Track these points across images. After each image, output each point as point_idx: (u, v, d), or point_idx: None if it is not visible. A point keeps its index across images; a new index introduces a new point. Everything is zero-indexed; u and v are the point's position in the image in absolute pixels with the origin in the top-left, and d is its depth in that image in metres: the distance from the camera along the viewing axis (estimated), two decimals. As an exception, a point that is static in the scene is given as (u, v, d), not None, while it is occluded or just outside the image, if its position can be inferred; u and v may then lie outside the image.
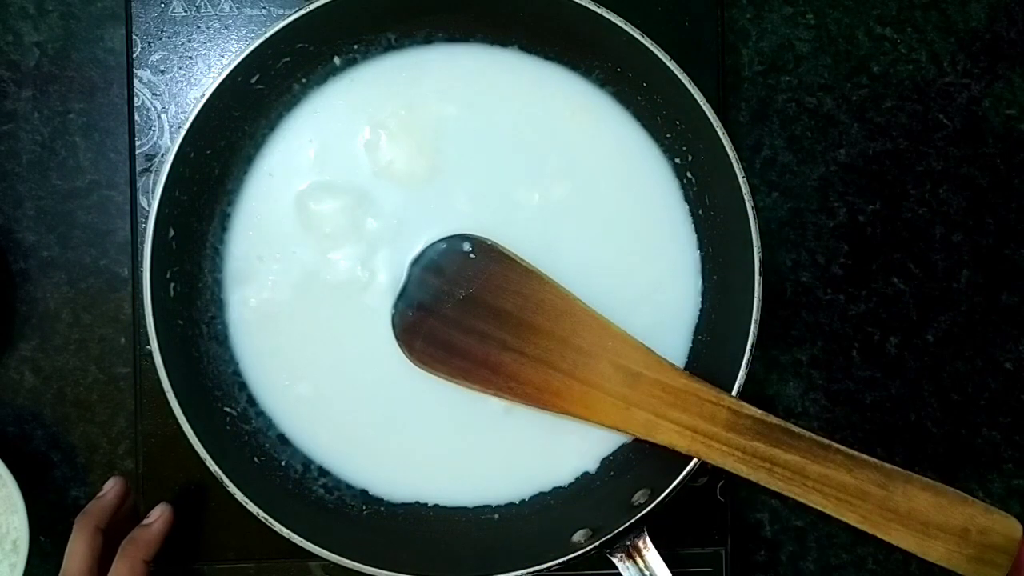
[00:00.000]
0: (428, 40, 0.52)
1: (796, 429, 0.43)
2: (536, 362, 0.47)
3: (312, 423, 0.51)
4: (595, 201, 0.52)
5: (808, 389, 0.58)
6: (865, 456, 0.41)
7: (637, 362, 0.47)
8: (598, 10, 0.48)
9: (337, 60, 0.51)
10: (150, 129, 0.55)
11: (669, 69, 0.48)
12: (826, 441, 0.42)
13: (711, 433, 0.44)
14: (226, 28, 0.55)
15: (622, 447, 0.51)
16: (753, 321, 0.47)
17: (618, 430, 0.47)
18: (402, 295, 0.50)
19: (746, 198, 0.47)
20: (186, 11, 0.55)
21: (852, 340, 0.58)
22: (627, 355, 0.47)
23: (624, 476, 0.50)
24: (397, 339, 0.49)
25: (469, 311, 0.48)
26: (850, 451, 0.42)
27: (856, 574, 0.57)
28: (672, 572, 0.45)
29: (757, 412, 0.44)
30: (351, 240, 0.51)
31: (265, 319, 0.51)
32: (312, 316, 0.51)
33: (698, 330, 0.52)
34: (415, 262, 0.49)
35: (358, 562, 0.46)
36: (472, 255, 0.49)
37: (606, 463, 0.51)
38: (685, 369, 0.52)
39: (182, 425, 0.46)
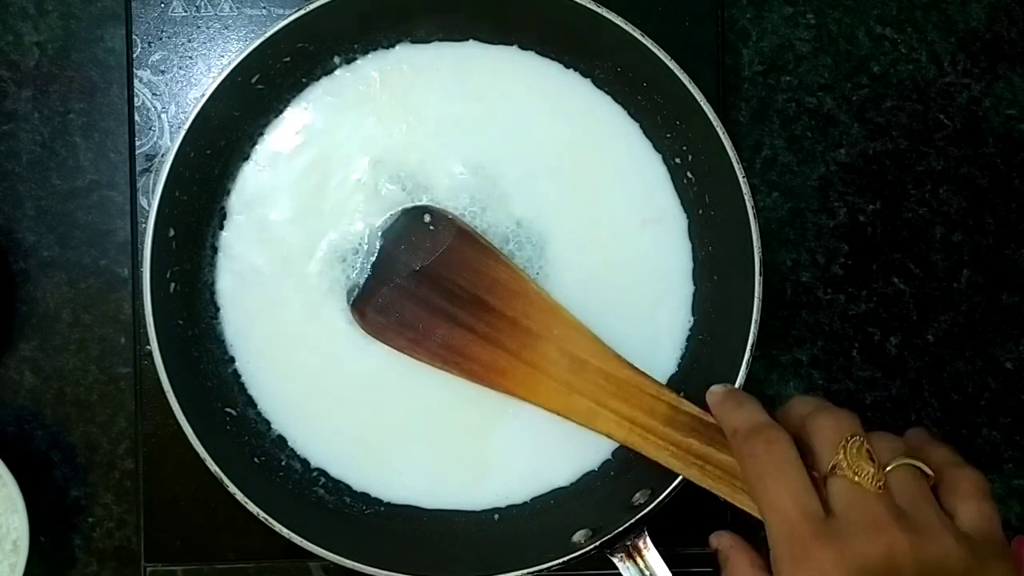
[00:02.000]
0: (427, 39, 0.52)
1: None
2: (485, 340, 0.47)
3: (312, 424, 0.51)
4: (595, 201, 0.52)
5: (808, 389, 0.58)
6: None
7: (584, 349, 0.47)
8: (598, 9, 0.48)
9: (337, 59, 0.52)
10: (150, 129, 0.55)
11: (669, 69, 0.48)
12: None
13: (648, 426, 0.45)
14: (226, 28, 0.55)
15: (623, 448, 0.51)
16: (753, 321, 0.47)
17: (559, 414, 0.47)
18: (358, 265, 0.50)
19: (746, 198, 0.47)
20: (186, 11, 0.55)
21: (852, 340, 0.58)
22: (575, 341, 0.47)
23: (624, 476, 0.50)
24: (349, 305, 0.49)
25: (423, 283, 0.48)
26: None
27: (856, 574, 0.57)
28: (672, 572, 0.45)
29: (695, 410, 0.44)
30: (348, 240, 0.51)
31: (264, 319, 0.51)
32: (312, 316, 0.51)
33: (698, 330, 0.52)
34: (376, 231, 0.50)
35: (358, 562, 0.46)
36: (431, 227, 0.49)
37: (606, 463, 0.51)
38: (677, 368, 0.52)
39: (182, 425, 0.46)
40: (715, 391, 0.44)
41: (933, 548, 0.35)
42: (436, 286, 0.48)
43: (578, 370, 0.46)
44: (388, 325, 0.48)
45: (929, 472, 0.38)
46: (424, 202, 0.50)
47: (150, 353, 0.46)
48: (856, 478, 0.37)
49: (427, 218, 0.49)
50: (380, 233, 0.49)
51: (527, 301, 0.48)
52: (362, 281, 0.49)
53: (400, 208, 0.50)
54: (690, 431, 0.44)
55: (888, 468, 0.37)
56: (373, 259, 0.49)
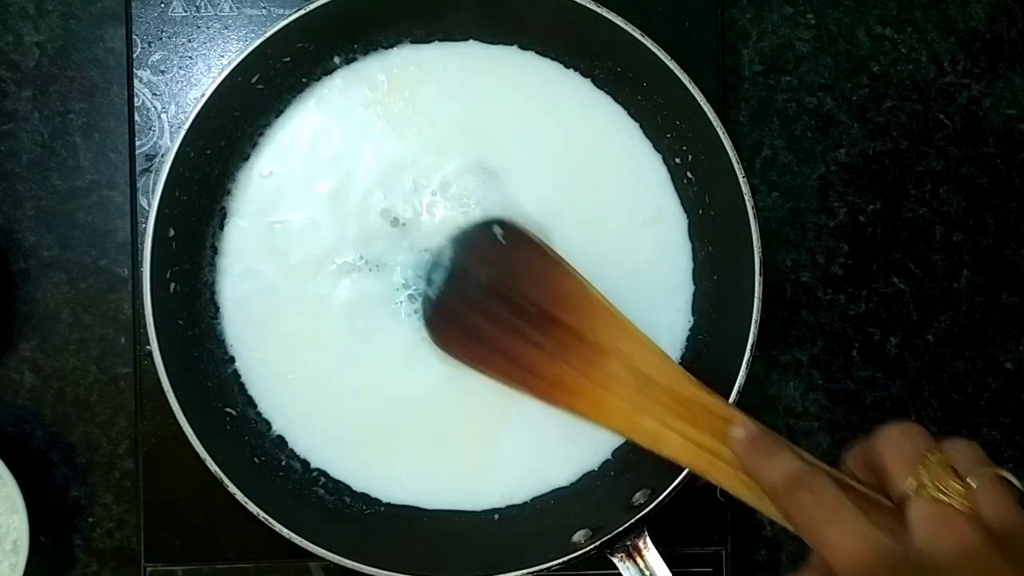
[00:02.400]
0: (428, 39, 0.52)
1: (809, 458, 0.38)
2: (552, 356, 0.46)
3: (312, 424, 0.51)
4: (595, 200, 0.52)
5: (808, 389, 0.58)
6: (881, 498, 0.35)
7: (651, 366, 0.45)
8: (598, 10, 0.48)
9: (337, 59, 0.52)
10: (150, 129, 0.55)
11: (669, 69, 0.48)
12: (837, 474, 0.37)
13: (716, 451, 0.42)
14: (226, 28, 0.55)
15: (622, 447, 0.51)
16: (753, 321, 0.47)
17: (625, 435, 0.46)
18: (430, 276, 0.49)
19: (746, 198, 0.47)
20: (186, 11, 0.55)
21: (852, 340, 0.58)
22: (642, 358, 0.45)
23: (624, 476, 0.50)
24: (423, 318, 0.49)
25: (493, 296, 0.47)
26: (862, 489, 0.36)
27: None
28: (672, 572, 0.45)
29: (770, 432, 0.41)
30: (348, 239, 0.51)
31: (264, 319, 0.51)
32: (311, 316, 0.51)
33: (698, 330, 0.52)
34: (448, 242, 0.49)
35: (358, 562, 0.46)
36: (502, 240, 0.48)
37: (606, 463, 0.51)
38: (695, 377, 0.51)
39: (182, 425, 0.46)
40: (737, 439, 0.40)
41: None
42: (505, 300, 0.47)
43: (645, 388, 0.45)
44: (458, 338, 0.48)
45: (1019, 485, 0.33)
46: (424, 204, 0.51)
47: (150, 353, 0.46)
48: (942, 498, 0.32)
49: (498, 230, 0.48)
50: (451, 243, 0.48)
51: (595, 316, 0.46)
52: (434, 294, 0.49)
53: (473, 221, 0.50)
54: None
55: (975, 484, 0.32)
56: (442, 271, 0.49)
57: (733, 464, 0.41)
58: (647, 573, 0.46)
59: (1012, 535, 0.31)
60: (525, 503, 0.51)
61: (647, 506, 0.46)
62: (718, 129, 0.47)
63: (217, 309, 0.51)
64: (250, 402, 0.51)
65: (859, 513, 0.33)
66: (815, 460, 0.37)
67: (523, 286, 0.47)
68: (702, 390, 0.44)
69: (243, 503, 0.46)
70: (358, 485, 0.51)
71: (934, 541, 0.31)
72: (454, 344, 0.48)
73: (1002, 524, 0.31)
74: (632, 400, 0.45)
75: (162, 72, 0.55)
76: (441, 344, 0.48)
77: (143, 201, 0.54)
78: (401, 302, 0.51)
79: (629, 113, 0.52)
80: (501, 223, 0.48)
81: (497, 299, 0.47)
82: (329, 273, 0.51)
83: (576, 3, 0.47)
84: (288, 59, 0.50)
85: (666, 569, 0.45)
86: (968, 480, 0.32)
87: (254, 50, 0.47)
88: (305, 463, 0.51)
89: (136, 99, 0.54)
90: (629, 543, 0.46)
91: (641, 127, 0.52)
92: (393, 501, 0.51)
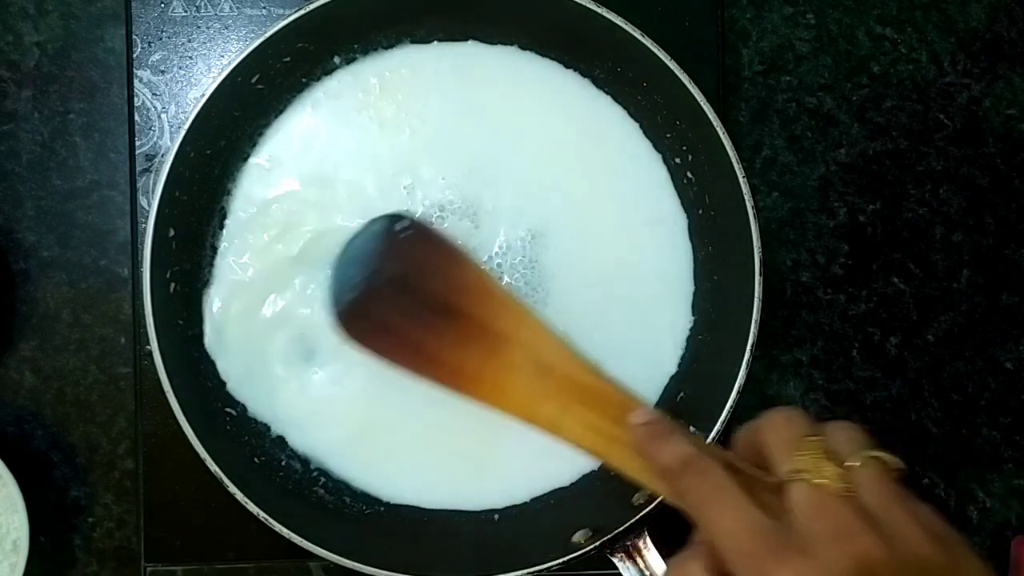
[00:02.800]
0: (428, 39, 0.52)
1: (702, 443, 0.39)
2: (455, 345, 0.46)
3: (311, 424, 0.51)
4: (594, 201, 0.52)
5: (808, 389, 0.58)
6: (764, 475, 0.36)
7: (550, 354, 0.46)
8: (598, 10, 0.48)
9: (337, 59, 0.52)
10: (150, 129, 0.55)
11: (669, 69, 0.48)
12: (728, 457, 0.38)
13: (615, 435, 0.42)
14: (226, 28, 0.55)
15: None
16: (753, 321, 0.47)
17: (526, 422, 0.46)
18: (336, 271, 0.49)
19: (746, 198, 0.47)
20: (186, 11, 0.55)
21: (852, 340, 0.58)
22: (542, 346, 0.46)
23: (625, 476, 0.50)
24: (330, 312, 0.48)
25: (398, 289, 0.47)
26: (748, 468, 0.37)
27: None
28: None
29: (665, 417, 0.42)
30: (345, 240, 0.51)
31: (264, 319, 0.51)
32: (310, 315, 0.51)
33: (698, 330, 0.52)
34: (353, 238, 0.49)
35: (358, 562, 0.46)
36: (404, 234, 0.48)
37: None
38: (677, 367, 0.52)
39: (182, 425, 0.46)
40: (634, 423, 0.41)
41: (910, 553, 0.32)
42: (410, 292, 0.47)
43: (545, 375, 0.45)
44: (367, 331, 0.48)
45: (899, 465, 0.35)
46: (423, 205, 0.51)
47: (150, 353, 0.46)
48: (817, 481, 0.33)
49: (398, 225, 0.48)
50: (352, 239, 0.48)
51: (496, 304, 0.47)
52: (338, 286, 0.48)
53: (372, 217, 0.49)
54: None
55: (852, 466, 0.34)
56: (350, 266, 0.49)
57: (631, 447, 0.41)
58: (647, 573, 0.46)
59: (886, 515, 0.32)
60: (525, 503, 0.51)
61: (647, 506, 0.46)
62: (718, 129, 0.47)
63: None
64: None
65: (742, 495, 0.34)
66: (708, 445, 0.40)
67: (426, 278, 0.47)
68: (600, 377, 0.45)
69: (243, 503, 0.46)
70: (358, 485, 0.51)
71: (810, 522, 0.32)
72: (361, 336, 0.48)
73: (878, 504, 0.33)
74: (532, 387, 0.46)
75: (162, 72, 0.55)
76: (351, 337, 0.48)
77: (143, 201, 0.54)
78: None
79: (629, 113, 0.52)
80: (401, 217, 0.49)
81: (402, 291, 0.47)
82: (322, 272, 0.51)
83: (576, 3, 0.47)
84: (288, 59, 0.50)
85: (665, 568, 0.45)
86: (847, 464, 0.34)
87: (254, 50, 0.47)
88: (305, 463, 0.51)
89: (136, 99, 0.55)
90: (629, 543, 0.46)
91: (641, 127, 0.52)
92: (393, 501, 0.51)
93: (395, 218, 0.49)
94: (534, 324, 0.47)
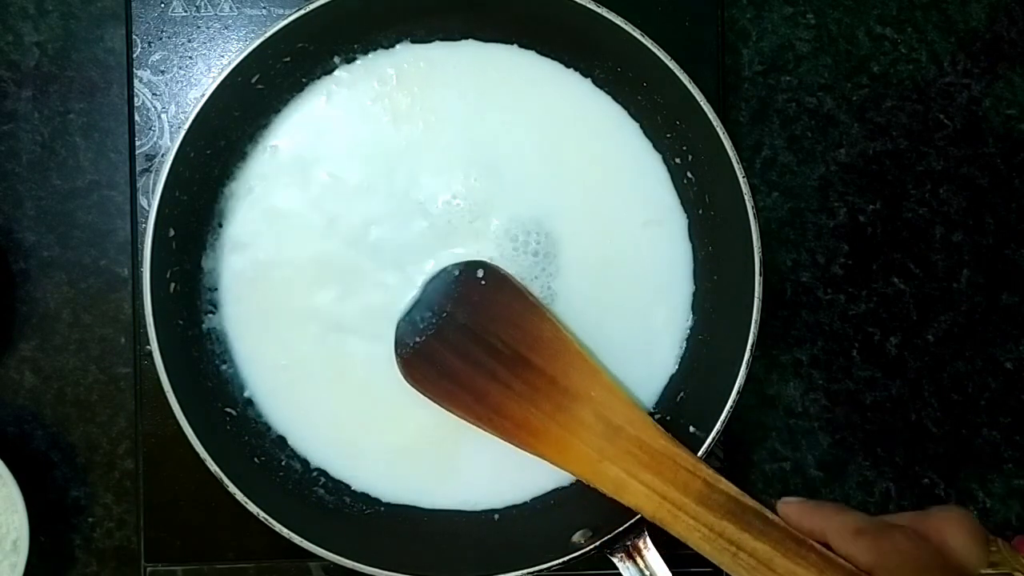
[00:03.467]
0: (428, 39, 0.52)
1: (771, 515, 0.40)
2: (521, 398, 0.46)
3: (311, 424, 0.51)
4: (594, 201, 0.52)
5: (808, 389, 0.58)
6: (840, 560, 0.37)
7: (620, 415, 0.45)
8: (598, 10, 0.48)
9: (337, 59, 0.51)
10: (150, 129, 0.55)
11: (669, 69, 0.48)
12: (800, 536, 0.38)
13: (680, 503, 0.42)
14: (226, 28, 0.55)
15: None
16: (753, 321, 0.47)
17: (587, 481, 0.45)
18: (410, 312, 0.49)
19: (746, 198, 0.47)
20: (186, 11, 0.55)
21: (852, 340, 0.58)
22: (612, 406, 0.46)
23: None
24: (396, 353, 0.49)
25: (467, 336, 0.48)
26: (825, 551, 0.37)
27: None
28: (672, 572, 0.45)
29: (733, 489, 0.42)
30: (347, 240, 0.51)
31: (263, 321, 0.51)
32: (311, 317, 0.51)
33: (698, 330, 0.52)
34: (430, 281, 0.49)
35: (358, 562, 0.46)
36: (483, 282, 0.49)
37: (606, 463, 0.51)
38: (676, 366, 0.51)
39: (182, 425, 0.46)
40: (791, 501, 0.39)
41: None
42: (480, 340, 0.47)
43: (612, 437, 0.45)
44: (429, 375, 0.48)
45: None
46: (424, 205, 0.50)
47: (150, 353, 0.46)
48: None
49: (480, 273, 0.49)
50: (428, 282, 0.49)
51: (568, 361, 0.47)
52: (408, 329, 0.49)
53: (453, 263, 0.50)
54: (725, 513, 0.41)
55: None
56: (421, 310, 0.49)
57: (696, 517, 0.41)
58: (647, 573, 0.46)
59: None
60: (525, 503, 0.51)
61: (647, 506, 0.46)
62: (718, 129, 0.47)
63: (217, 309, 0.51)
64: (250, 402, 0.51)
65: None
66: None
67: (499, 328, 0.47)
68: (670, 442, 0.44)
69: (243, 503, 0.46)
70: (358, 485, 0.51)
71: None
72: (424, 381, 0.48)
73: None
74: (598, 447, 0.45)
75: (162, 72, 0.55)
76: (411, 380, 0.48)
77: (143, 201, 0.54)
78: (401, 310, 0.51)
79: (629, 113, 0.52)
80: (483, 266, 0.49)
81: (471, 339, 0.47)
82: (326, 275, 0.51)
83: (576, 3, 0.47)
84: (288, 59, 0.50)
85: (666, 569, 0.45)
86: None
87: (254, 50, 0.47)
88: (305, 463, 0.51)
89: (136, 99, 0.54)
90: (629, 543, 0.46)
91: (641, 127, 0.52)
92: (393, 501, 0.51)
93: (473, 265, 0.49)
94: (606, 383, 0.46)
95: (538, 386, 0.46)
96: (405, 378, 0.48)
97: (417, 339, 0.48)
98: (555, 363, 0.47)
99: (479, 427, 0.47)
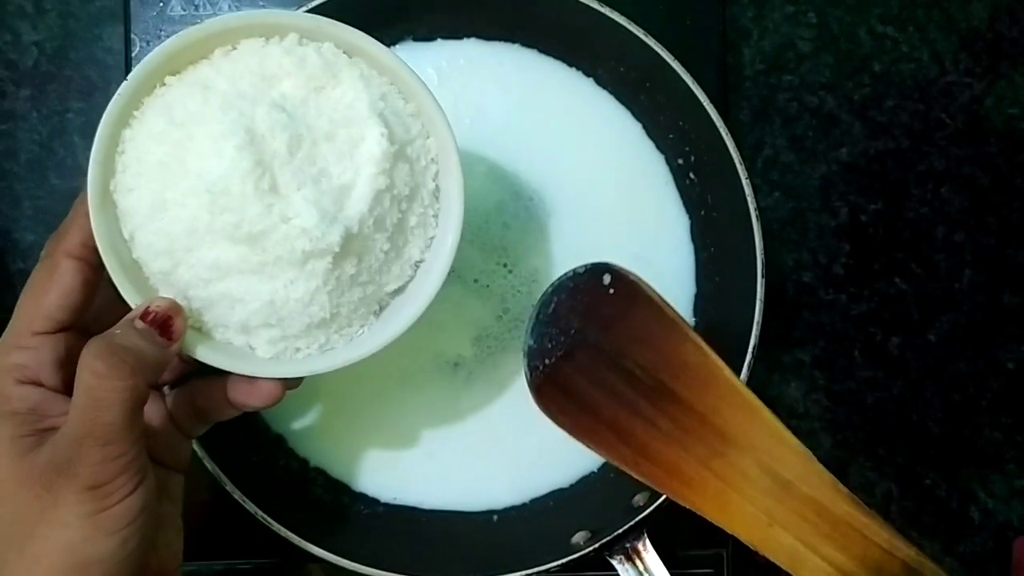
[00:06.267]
0: (430, 37, 0.52)
1: None
2: (669, 439, 0.39)
3: (311, 424, 0.51)
4: (596, 201, 0.52)
5: (810, 389, 0.58)
6: None
7: (789, 467, 0.38)
8: (601, 8, 0.47)
9: (337, 59, 0.51)
10: (149, 128, 0.54)
11: (671, 68, 0.48)
12: None
13: None
14: (225, 27, 0.55)
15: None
16: (755, 322, 0.47)
17: (757, 549, 0.38)
18: (533, 330, 0.41)
19: (749, 198, 0.47)
20: (185, 10, 0.54)
21: (854, 340, 0.58)
22: (779, 456, 0.38)
23: (625, 477, 0.50)
24: (528, 381, 0.41)
25: (601, 360, 0.40)
26: None
27: (857, 575, 0.57)
28: (672, 574, 0.45)
29: (943, 574, 0.36)
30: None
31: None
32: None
33: (699, 330, 0.52)
34: (551, 289, 0.41)
35: (357, 562, 0.46)
36: (611, 290, 0.40)
37: (606, 465, 0.51)
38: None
39: (181, 425, 0.46)
40: None
41: None
42: (615, 366, 0.40)
43: (782, 495, 0.38)
44: (566, 407, 0.40)
45: None
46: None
47: (149, 353, 0.46)
48: None
49: (607, 279, 0.40)
50: (552, 291, 0.41)
51: (720, 394, 0.39)
52: (535, 350, 0.41)
53: (577, 265, 0.42)
54: None
55: None
56: (546, 327, 0.41)
57: None
58: (646, 575, 0.45)
59: None
60: (524, 504, 0.51)
61: (647, 508, 0.46)
62: (720, 129, 0.47)
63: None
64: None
65: None
66: None
67: (635, 350, 0.40)
68: (856, 508, 0.37)
69: (242, 503, 0.46)
70: (357, 485, 0.51)
71: None
72: (561, 414, 0.40)
73: None
74: (765, 507, 0.38)
75: (161, 71, 0.55)
76: (547, 412, 0.41)
77: (142, 200, 0.54)
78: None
79: (632, 114, 0.52)
80: (610, 269, 0.41)
81: (606, 364, 0.40)
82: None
83: (579, 2, 0.47)
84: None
85: (665, 571, 0.45)
86: None
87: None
88: (304, 462, 0.51)
89: (135, 98, 0.54)
90: (628, 545, 0.46)
91: (644, 128, 0.52)
92: (392, 501, 0.51)
93: (600, 268, 0.41)
94: (772, 426, 0.38)
95: (687, 426, 0.39)
96: (540, 409, 0.41)
97: (547, 361, 0.40)
98: (704, 396, 0.39)
99: (627, 471, 0.40)
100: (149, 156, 0.35)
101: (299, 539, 0.46)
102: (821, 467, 0.38)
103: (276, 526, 0.46)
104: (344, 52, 0.38)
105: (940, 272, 0.58)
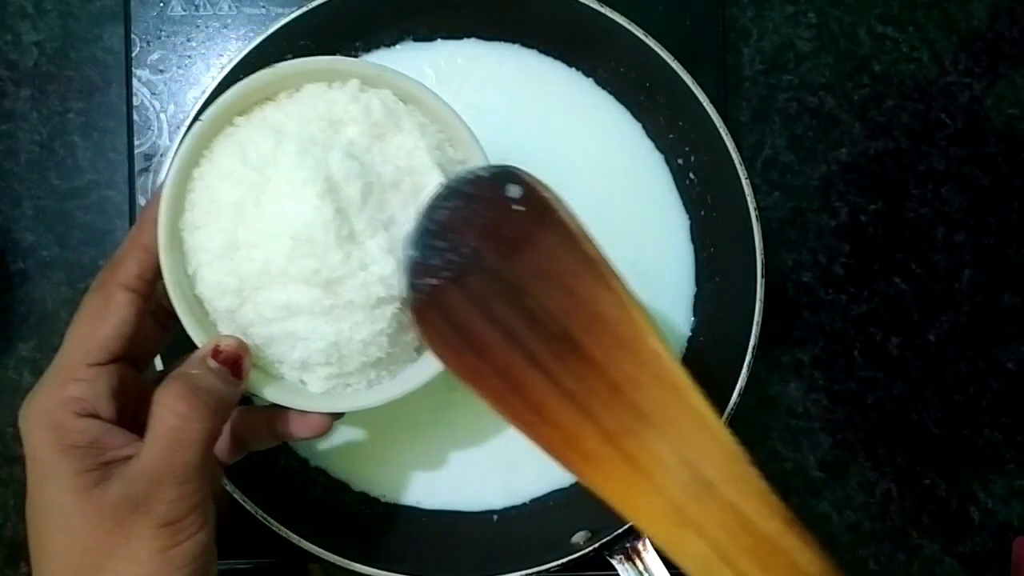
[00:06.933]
0: (430, 37, 0.52)
1: None
2: (571, 402, 0.33)
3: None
4: (596, 202, 0.52)
5: (810, 390, 0.57)
6: None
7: (715, 465, 0.32)
8: (601, 9, 0.48)
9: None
10: (149, 129, 0.54)
11: (671, 68, 0.48)
12: None
13: None
14: (225, 27, 0.55)
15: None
16: (755, 322, 0.47)
17: (663, 549, 0.33)
18: (419, 239, 0.34)
19: (748, 198, 0.47)
20: (185, 10, 0.54)
21: (854, 340, 0.58)
22: (703, 449, 0.32)
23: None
24: (407, 299, 0.35)
25: (499, 292, 0.33)
26: None
27: (857, 575, 0.57)
28: (671, 574, 0.45)
29: None
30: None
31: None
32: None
33: (699, 331, 0.52)
34: (442, 192, 0.35)
35: (357, 562, 0.46)
36: (518, 207, 0.33)
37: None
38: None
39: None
40: None
41: None
42: (513, 301, 0.33)
43: (701, 494, 0.31)
44: (448, 340, 0.34)
45: None
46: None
47: (149, 353, 0.46)
48: None
49: (513, 191, 0.33)
50: (442, 194, 0.35)
51: (640, 363, 0.32)
52: (418, 266, 0.35)
53: (475, 166, 0.36)
54: None
55: None
56: (433, 237, 0.34)
57: None
58: (646, 575, 0.45)
59: None
60: (524, 504, 0.51)
61: (647, 507, 0.46)
62: (720, 129, 0.47)
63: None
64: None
65: None
66: None
67: (540, 287, 0.33)
68: (788, 527, 0.31)
69: (241, 502, 0.46)
70: (357, 485, 0.51)
71: None
72: (443, 346, 0.34)
73: None
74: (679, 504, 0.32)
75: (161, 71, 0.55)
76: (428, 340, 0.35)
77: (142, 201, 0.54)
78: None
79: (632, 114, 0.52)
80: (519, 179, 0.33)
81: (503, 297, 0.33)
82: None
83: (579, 2, 0.47)
84: (290, 56, 0.49)
85: (665, 571, 0.45)
86: None
87: (256, 47, 0.47)
88: (304, 462, 0.51)
89: (135, 98, 0.54)
90: (628, 545, 0.46)
91: (644, 128, 0.52)
92: (392, 501, 0.51)
93: (506, 175, 0.33)
94: (698, 411, 0.32)
95: (596, 390, 0.32)
96: (419, 335, 0.35)
97: (432, 281, 0.34)
98: (619, 360, 0.32)
99: (517, 429, 0.34)
100: (222, 196, 0.36)
101: (300, 539, 0.46)
102: (753, 471, 0.32)
103: (276, 526, 0.46)
104: (400, 99, 0.39)
105: (940, 272, 0.58)
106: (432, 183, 0.37)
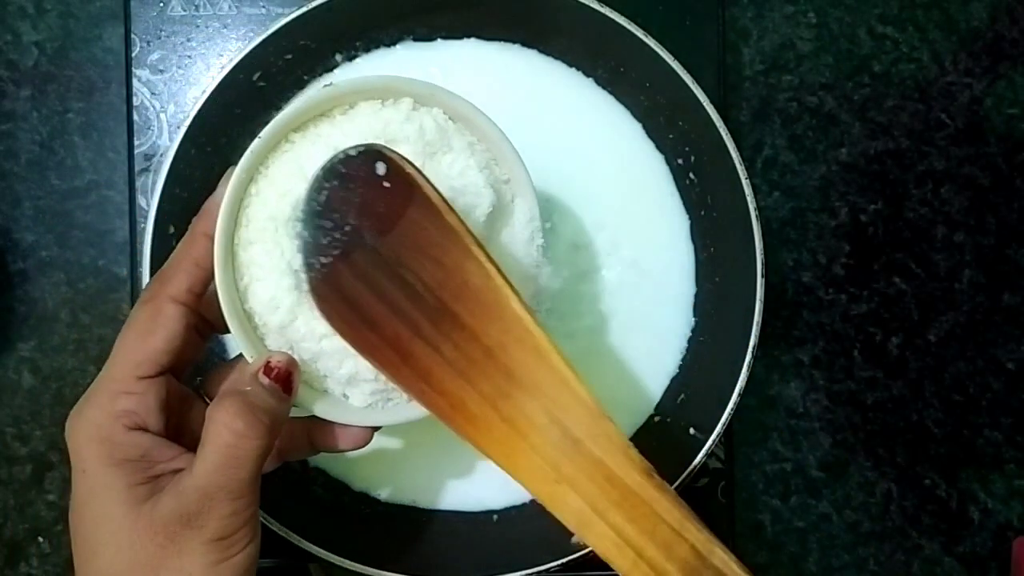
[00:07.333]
0: (430, 37, 0.52)
1: None
2: (453, 368, 0.35)
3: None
4: (595, 201, 0.52)
5: (809, 390, 0.57)
6: None
7: (579, 424, 0.34)
8: (601, 9, 0.48)
9: (338, 57, 0.51)
10: (149, 128, 0.54)
11: (671, 68, 0.48)
12: None
13: (660, 569, 0.33)
14: (225, 27, 0.55)
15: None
16: (755, 323, 0.47)
17: (547, 507, 0.34)
18: (307, 220, 0.35)
19: (748, 199, 0.47)
20: (185, 10, 0.54)
21: (854, 340, 0.58)
22: (568, 408, 0.34)
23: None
24: (306, 281, 0.36)
25: (380, 267, 0.34)
26: None
27: (857, 575, 0.57)
28: None
29: (733, 565, 0.33)
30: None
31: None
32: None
33: (699, 331, 0.52)
34: (321, 172, 0.35)
35: (357, 562, 0.46)
36: (386, 183, 0.34)
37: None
38: (678, 369, 0.50)
39: (180, 425, 0.46)
40: None
41: None
42: (393, 274, 0.34)
43: (571, 452, 0.33)
44: (345, 316, 0.35)
45: None
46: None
47: (149, 353, 0.46)
48: None
49: (381, 168, 0.34)
50: (323, 176, 0.35)
51: (505, 328, 0.34)
52: (309, 245, 0.35)
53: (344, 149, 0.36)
54: None
55: None
56: (318, 217, 0.35)
57: None
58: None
59: None
60: (524, 504, 0.51)
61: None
62: (720, 129, 0.47)
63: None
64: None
65: None
66: None
67: (414, 260, 0.34)
68: (648, 481, 0.33)
69: (242, 504, 0.46)
70: (356, 484, 0.51)
71: None
72: (341, 322, 0.36)
73: None
74: (553, 461, 0.34)
75: (161, 71, 0.55)
76: (328, 318, 0.36)
77: (142, 201, 0.54)
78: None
79: (632, 114, 0.52)
80: (383, 156, 0.35)
81: (385, 272, 0.35)
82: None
83: (579, 1, 0.47)
84: (290, 56, 0.49)
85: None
86: None
87: (256, 47, 0.47)
88: (303, 462, 0.51)
89: (135, 98, 0.54)
90: (629, 544, 0.46)
91: (644, 128, 0.52)
92: (392, 501, 0.51)
93: (373, 153, 0.35)
94: (559, 370, 0.34)
95: (472, 356, 0.34)
96: (325, 319, 0.36)
97: (322, 259, 0.35)
98: (488, 327, 0.34)
99: (415, 400, 0.36)
100: (279, 213, 0.36)
101: (299, 539, 0.46)
102: (614, 427, 0.34)
103: (276, 526, 0.46)
104: (450, 118, 0.40)
105: (940, 272, 0.58)
106: (486, 203, 0.38)
